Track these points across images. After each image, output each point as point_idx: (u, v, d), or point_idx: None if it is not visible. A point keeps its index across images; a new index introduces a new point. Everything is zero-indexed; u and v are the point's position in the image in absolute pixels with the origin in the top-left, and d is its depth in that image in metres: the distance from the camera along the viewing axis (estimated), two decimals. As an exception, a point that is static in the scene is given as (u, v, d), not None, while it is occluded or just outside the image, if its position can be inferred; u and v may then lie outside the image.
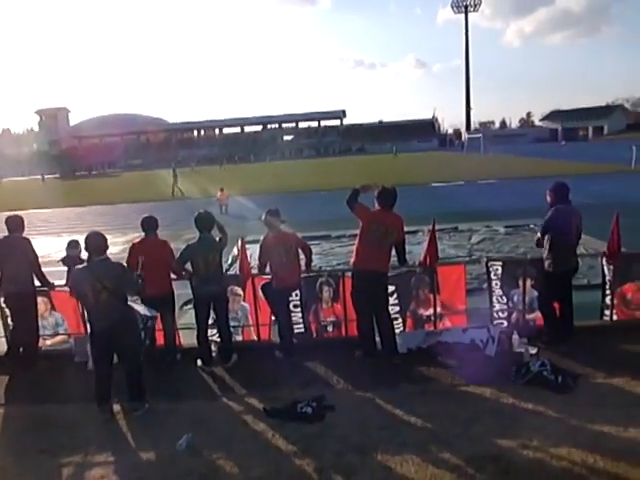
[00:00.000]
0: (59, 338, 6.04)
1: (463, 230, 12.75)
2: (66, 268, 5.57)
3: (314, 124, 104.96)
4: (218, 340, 5.62)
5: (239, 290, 5.85)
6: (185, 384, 5.10)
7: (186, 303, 6.81)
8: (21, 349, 5.64)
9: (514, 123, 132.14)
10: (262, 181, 33.83)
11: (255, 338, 5.91)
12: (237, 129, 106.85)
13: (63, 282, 5.61)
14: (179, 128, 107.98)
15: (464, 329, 5.40)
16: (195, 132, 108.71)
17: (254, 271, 5.80)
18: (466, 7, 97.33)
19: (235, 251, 6.03)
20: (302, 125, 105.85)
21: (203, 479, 3.53)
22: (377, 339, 5.36)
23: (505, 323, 5.72)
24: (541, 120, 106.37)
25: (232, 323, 5.68)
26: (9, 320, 5.74)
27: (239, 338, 5.89)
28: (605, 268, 5.77)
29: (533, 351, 5.07)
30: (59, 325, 5.99)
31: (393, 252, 5.32)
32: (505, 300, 5.74)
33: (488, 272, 5.79)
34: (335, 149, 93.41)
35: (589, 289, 6.53)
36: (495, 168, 32.31)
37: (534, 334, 5.43)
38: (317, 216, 16.66)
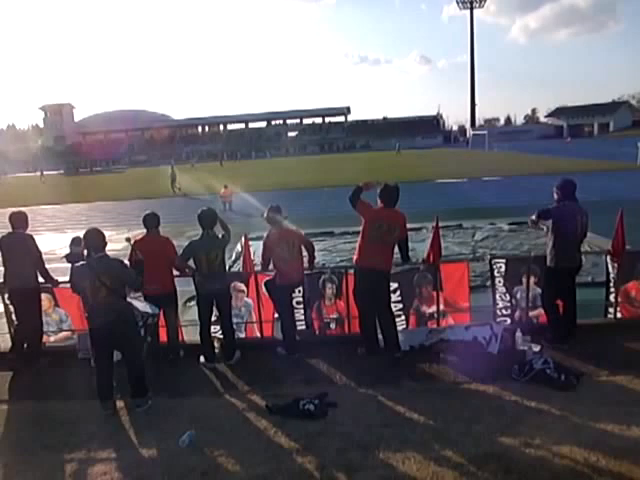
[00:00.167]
0: (63, 334, 6.07)
1: (467, 227, 12.76)
2: (69, 265, 5.57)
3: (318, 120, 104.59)
4: (221, 337, 5.63)
5: (242, 286, 5.86)
6: (188, 381, 5.11)
7: (189, 300, 6.83)
8: (25, 345, 5.66)
9: (519, 120, 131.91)
10: (262, 179, 33.63)
11: (258, 335, 5.92)
12: (242, 125, 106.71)
13: (67, 279, 5.62)
14: (184, 124, 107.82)
15: (467, 326, 5.38)
16: (199, 128, 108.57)
17: (257, 268, 5.81)
18: (471, 3, 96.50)
19: (239, 247, 6.05)
20: (306, 121, 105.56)
21: (205, 476, 3.53)
22: (380, 336, 5.36)
23: (508, 320, 5.71)
24: (546, 117, 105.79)
25: (235, 320, 5.69)
26: (13, 316, 5.76)
27: (242, 335, 5.91)
28: (609, 266, 5.76)
29: (536, 349, 5.05)
30: (63, 321, 6.02)
31: (396, 249, 5.31)
32: (508, 298, 5.74)
33: (491, 269, 5.78)
34: (339, 145, 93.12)
35: (593, 287, 6.52)
36: (500, 165, 32.20)
37: (537, 332, 5.41)
38: (320, 213, 16.66)
